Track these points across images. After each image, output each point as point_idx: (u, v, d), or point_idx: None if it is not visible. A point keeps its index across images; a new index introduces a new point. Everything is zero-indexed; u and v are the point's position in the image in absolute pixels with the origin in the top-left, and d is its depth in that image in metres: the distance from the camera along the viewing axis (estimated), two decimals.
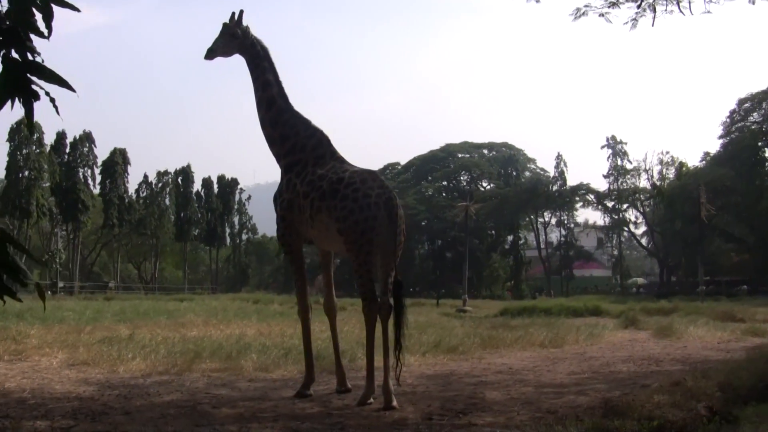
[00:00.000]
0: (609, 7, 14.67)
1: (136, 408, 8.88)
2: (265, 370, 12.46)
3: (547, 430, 6.89)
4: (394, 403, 8.84)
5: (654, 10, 14.52)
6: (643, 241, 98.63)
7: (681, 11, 14.06)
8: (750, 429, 7.24)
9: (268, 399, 9.71)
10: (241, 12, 10.69)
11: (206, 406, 9.08)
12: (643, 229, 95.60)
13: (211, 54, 10.73)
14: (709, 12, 13.84)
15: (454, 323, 24.09)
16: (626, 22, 15.01)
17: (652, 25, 14.50)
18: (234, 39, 10.62)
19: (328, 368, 11.41)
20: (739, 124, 79.32)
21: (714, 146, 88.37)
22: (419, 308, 40.38)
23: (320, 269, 11.51)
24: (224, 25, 10.70)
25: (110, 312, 26.71)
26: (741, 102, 78.49)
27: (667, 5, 14.37)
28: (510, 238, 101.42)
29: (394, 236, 9.29)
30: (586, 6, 14.75)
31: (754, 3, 14.05)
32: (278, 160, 10.65)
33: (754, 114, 78.80)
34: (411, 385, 10.90)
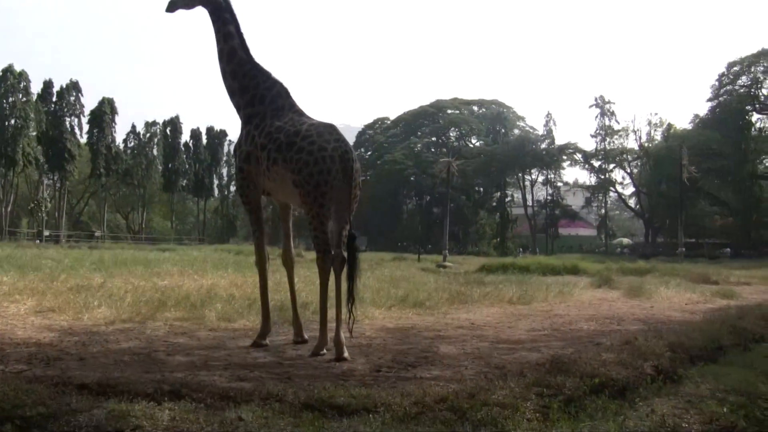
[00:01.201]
0: None
1: (91, 354, 8.97)
2: (227, 320, 12.57)
3: (487, 384, 6.98)
4: (345, 354, 8.96)
5: None
6: (631, 202, 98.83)
7: None
8: (692, 387, 7.33)
9: (223, 348, 9.81)
10: None
11: (161, 353, 9.18)
12: (631, 190, 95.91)
13: (172, 6, 10.63)
14: None
15: (429, 278, 24.15)
16: None
17: None
18: None
19: (290, 319, 11.49)
20: (728, 87, 79.29)
21: (703, 109, 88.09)
22: (400, 263, 40.51)
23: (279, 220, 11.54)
24: None
25: (89, 261, 26.66)
26: (730, 65, 78.44)
27: None
28: (497, 195, 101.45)
29: (349, 190, 9.33)
30: None
31: None
32: (238, 112, 10.64)
33: (743, 78, 78.70)
34: (369, 338, 11.04)
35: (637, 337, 9.54)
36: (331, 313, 9.51)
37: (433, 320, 13.74)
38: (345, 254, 9.36)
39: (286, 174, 9.48)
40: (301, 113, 10.27)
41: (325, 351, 9.32)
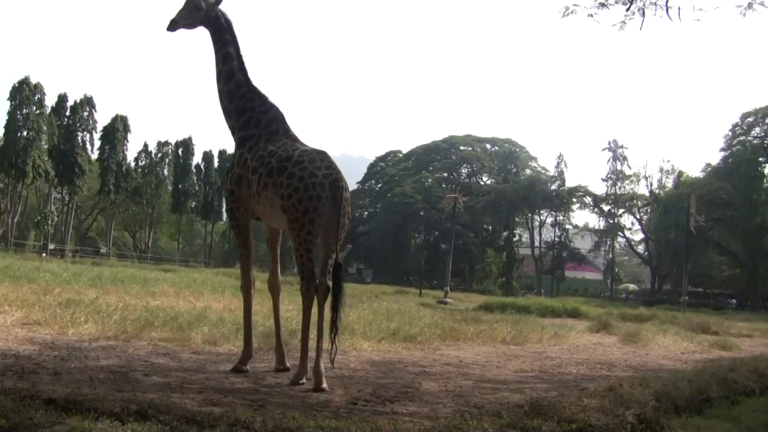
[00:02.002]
0: (598, 7, 14.52)
1: (67, 369, 8.91)
2: (213, 343, 12.50)
3: (460, 423, 6.85)
4: (324, 385, 8.85)
5: (643, 14, 14.38)
6: (640, 248, 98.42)
7: (669, 17, 13.92)
8: None
9: (203, 371, 9.73)
10: None
11: (138, 373, 9.09)
12: (640, 236, 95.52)
13: (173, 25, 10.59)
14: (698, 20, 13.69)
15: (425, 313, 24.00)
16: (615, 24, 14.87)
17: (640, 29, 14.32)
18: (198, 11, 10.49)
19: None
20: (741, 138, 79.03)
21: (716, 158, 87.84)
22: (401, 296, 40.49)
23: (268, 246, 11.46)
24: None
25: (87, 276, 26.59)
26: (744, 116, 78.30)
27: (656, 10, 14.22)
28: (505, 234, 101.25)
29: (338, 218, 9.26)
30: (574, 5, 14.59)
31: (744, 15, 13.92)
32: (233, 134, 10.63)
33: (756, 129, 78.54)
34: (352, 370, 10.94)
35: (621, 384, 9.35)
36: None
37: (422, 355, 13.62)
38: (330, 283, 9.23)
39: (276, 199, 9.43)
40: (294, 139, 10.24)
41: (304, 380, 9.21)
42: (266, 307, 14.36)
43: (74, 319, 13.24)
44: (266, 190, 9.56)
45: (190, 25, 10.63)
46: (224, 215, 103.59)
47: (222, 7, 10.70)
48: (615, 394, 8.70)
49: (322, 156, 9.56)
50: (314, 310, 9.39)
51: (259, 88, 10.64)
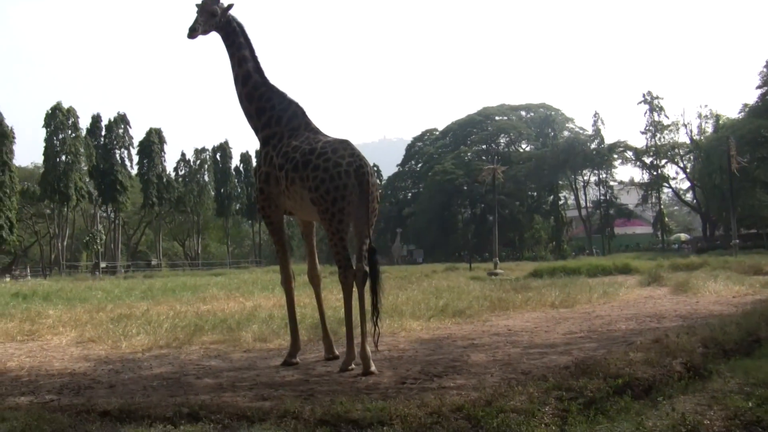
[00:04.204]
0: None
1: (121, 381, 9.09)
2: (263, 340, 12.67)
3: (506, 390, 6.91)
4: (372, 368, 8.97)
5: None
6: (688, 196, 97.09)
7: None
8: (719, 383, 7.16)
9: (254, 368, 9.87)
10: None
11: (191, 377, 9.25)
12: (687, 184, 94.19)
13: (193, 33, 10.72)
14: None
15: (475, 287, 23.96)
16: None
17: None
18: (213, 17, 10.66)
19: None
20: None
21: (753, 97, 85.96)
22: (451, 273, 40.40)
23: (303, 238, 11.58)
24: (202, 2, 10.72)
25: (139, 290, 27.06)
26: None
27: None
28: (550, 199, 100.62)
29: (367, 204, 9.36)
30: None
31: None
32: (256, 134, 10.76)
33: None
34: (401, 350, 11.02)
35: (667, 335, 9.36)
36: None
37: (471, 328, 13.66)
38: (366, 268, 9.34)
39: (304, 192, 9.57)
40: (316, 131, 10.34)
41: (353, 366, 9.31)
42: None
43: (126, 333, 13.53)
44: (294, 185, 9.70)
45: (206, 32, 10.78)
46: None
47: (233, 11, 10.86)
48: (661, 345, 8.71)
49: (344, 145, 9.66)
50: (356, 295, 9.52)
51: (276, 85, 10.76)
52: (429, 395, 7.08)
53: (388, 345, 11.34)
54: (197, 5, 10.71)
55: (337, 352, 10.48)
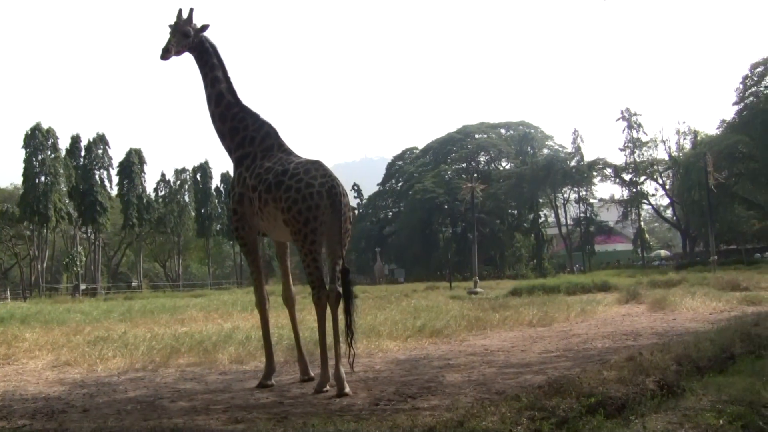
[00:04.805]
0: None
1: (95, 405, 9.06)
2: (240, 362, 12.68)
3: (478, 411, 6.93)
4: (347, 389, 8.98)
5: None
6: (668, 213, 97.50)
7: None
8: (692, 401, 7.19)
9: (229, 391, 9.87)
10: (191, 10, 10.80)
11: (165, 400, 9.24)
12: (667, 200, 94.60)
13: (166, 54, 10.77)
14: None
15: (454, 306, 23.94)
16: None
17: None
18: (186, 38, 10.72)
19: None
20: (753, 89, 77.39)
21: (730, 113, 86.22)
22: (431, 292, 40.32)
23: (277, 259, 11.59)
24: (175, 23, 10.77)
25: (117, 312, 26.90)
26: (753, 66, 76.85)
27: None
28: (531, 216, 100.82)
29: (339, 224, 9.37)
30: None
31: None
32: (230, 155, 10.80)
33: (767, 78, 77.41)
34: (377, 371, 11.04)
35: (641, 352, 9.39)
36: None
37: (447, 348, 13.70)
38: (340, 289, 9.35)
39: (277, 213, 9.62)
40: (289, 152, 10.40)
41: (328, 387, 9.31)
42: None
43: (102, 356, 13.47)
44: (267, 206, 9.74)
45: (179, 52, 10.82)
46: None
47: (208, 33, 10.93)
48: (635, 363, 8.73)
49: (317, 166, 9.70)
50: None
51: (254, 105, 10.83)
52: (402, 416, 7.09)
53: (364, 366, 11.34)
54: (170, 26, 10.76)
55: (312, 374, 10.45)
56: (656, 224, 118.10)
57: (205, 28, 10.87)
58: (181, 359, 13.09)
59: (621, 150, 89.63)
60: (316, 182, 9.37)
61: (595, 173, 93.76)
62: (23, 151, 72.90)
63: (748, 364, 9.42)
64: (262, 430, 6.71)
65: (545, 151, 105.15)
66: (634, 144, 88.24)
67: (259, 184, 9.87)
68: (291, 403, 8.74)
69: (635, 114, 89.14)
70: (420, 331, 15.60)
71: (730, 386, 7.72)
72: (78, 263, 75.13)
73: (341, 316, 9.41)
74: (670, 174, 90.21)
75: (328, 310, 9.51)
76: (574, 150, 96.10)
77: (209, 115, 10.87)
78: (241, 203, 10.32)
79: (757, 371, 8.79)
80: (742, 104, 77.36)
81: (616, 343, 13.03)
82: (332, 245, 9.54)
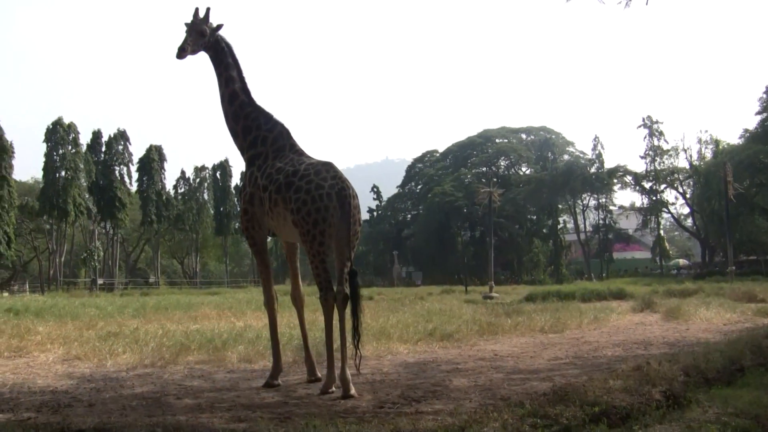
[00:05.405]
0: None
1: (101, 400, 9.07)
2: (248, 361, 12.68)
3: (481, 417, 6.90)
4: (352, 391, 8.96)
5: None
6: (688, 222, 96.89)
7: None
8: (698, 413, 7.13)
9: (235, 389, 9.87)
10: (208, 9, 10.83)
11: (171, 397, 9.24)
12: (687, 210, 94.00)
13: (182, 53, 10.79)
14: None
15: (467, 310, 23.90)
16: (620, 2, 14.73)
17: (646, 3, 14.24)
18: (202, 37, 10.75)
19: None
20: None
21: (753, 122, 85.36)
22: (446, 295, 40.30)
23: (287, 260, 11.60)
24: (191, 23, 10.80)
25: (132, 307, 26.98)
26: None
27: None
28: (549, 222, 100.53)
29: (348, 226, 9.37)
30: None
31: None
32: (242, 154, 10.83)
33: None
34: (384, 373, 11.01)
35: (649, 362, 9.32)
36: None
37: (457, 353, 13.65)
38: (347, 291, 9.35)
39: (287, 214, 9.63)
40: (301, 153, 10.42)
41: (333, 389, 9.30)
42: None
43: (112, 351, 13.53)
44: (277, 207, 9.77)
45: (195, 51, 10.85)
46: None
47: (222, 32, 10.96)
48: (641, 372, 8.67)
49: (327, 167, 9.71)
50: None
51: (265, 106, 10.85)
52: (404, 420, 7.08)
53: (372, 368, 11.34)
54: (186, 25, 10.79)
55: (319, 375, 10.45)
56: (676, 233, 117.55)
57: (220, 27, 10.91)
58: (191, 356, 13.11)
59: (642, 157, 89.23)
60: (326, 184, 9.38)
61: (615, 180, 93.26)
62: (44, 146, 73.45)
63: (757, 377, 9.34)
64: (264, 429, 6.71)
65: (565, 157, 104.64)
66: (655, 152, 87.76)
67: (269, 184, 9.90)
68: (295, 403, 8.73)
69: (657, 122, 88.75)
70: (431, 335, 15.57)
71: (736, 399, 7.66)
72: (96, 258, 75.55)
73: (348, 318, 9.42)
74: (691, 183, 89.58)
75: (336, 312, 9.51)
76: (594, 157, 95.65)
77: (223, 113, 10.91)
78: (252, 203, 10.35)
79: (766, 384, 8.72)
80: (765, 114, 76.64)
81: (626, 352, 12.95)
82: (340, 247, 9.53)
